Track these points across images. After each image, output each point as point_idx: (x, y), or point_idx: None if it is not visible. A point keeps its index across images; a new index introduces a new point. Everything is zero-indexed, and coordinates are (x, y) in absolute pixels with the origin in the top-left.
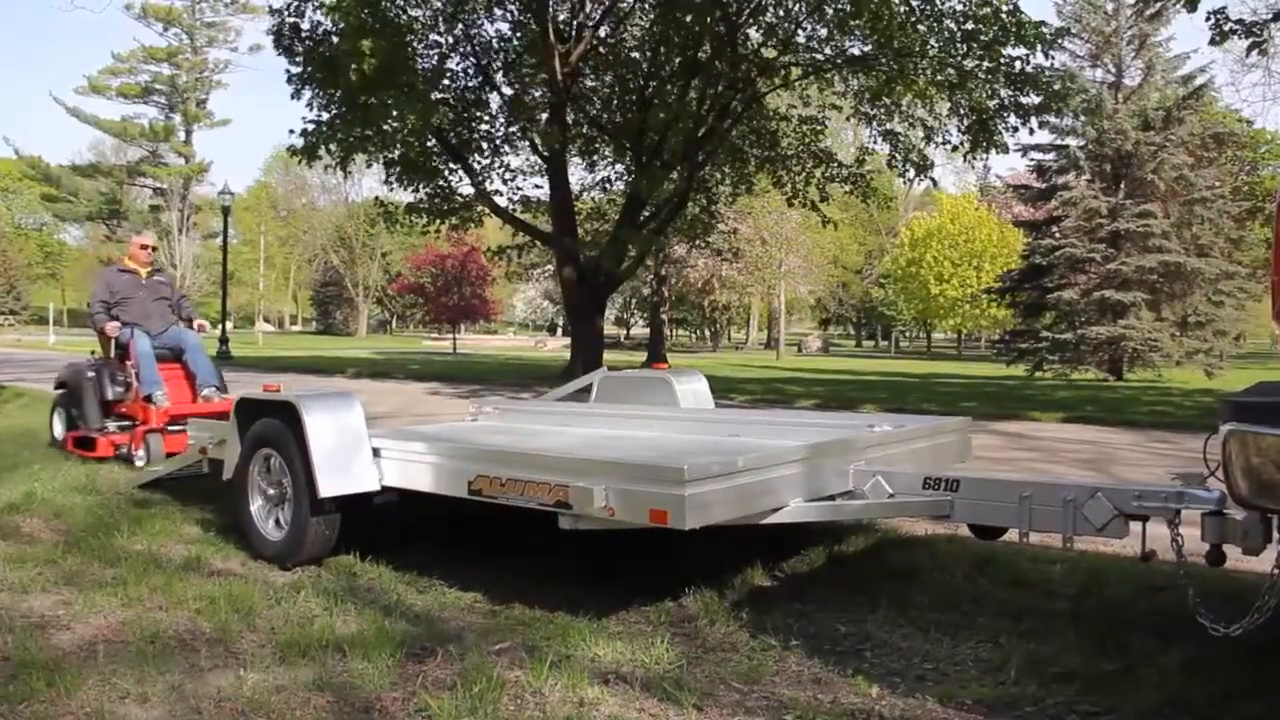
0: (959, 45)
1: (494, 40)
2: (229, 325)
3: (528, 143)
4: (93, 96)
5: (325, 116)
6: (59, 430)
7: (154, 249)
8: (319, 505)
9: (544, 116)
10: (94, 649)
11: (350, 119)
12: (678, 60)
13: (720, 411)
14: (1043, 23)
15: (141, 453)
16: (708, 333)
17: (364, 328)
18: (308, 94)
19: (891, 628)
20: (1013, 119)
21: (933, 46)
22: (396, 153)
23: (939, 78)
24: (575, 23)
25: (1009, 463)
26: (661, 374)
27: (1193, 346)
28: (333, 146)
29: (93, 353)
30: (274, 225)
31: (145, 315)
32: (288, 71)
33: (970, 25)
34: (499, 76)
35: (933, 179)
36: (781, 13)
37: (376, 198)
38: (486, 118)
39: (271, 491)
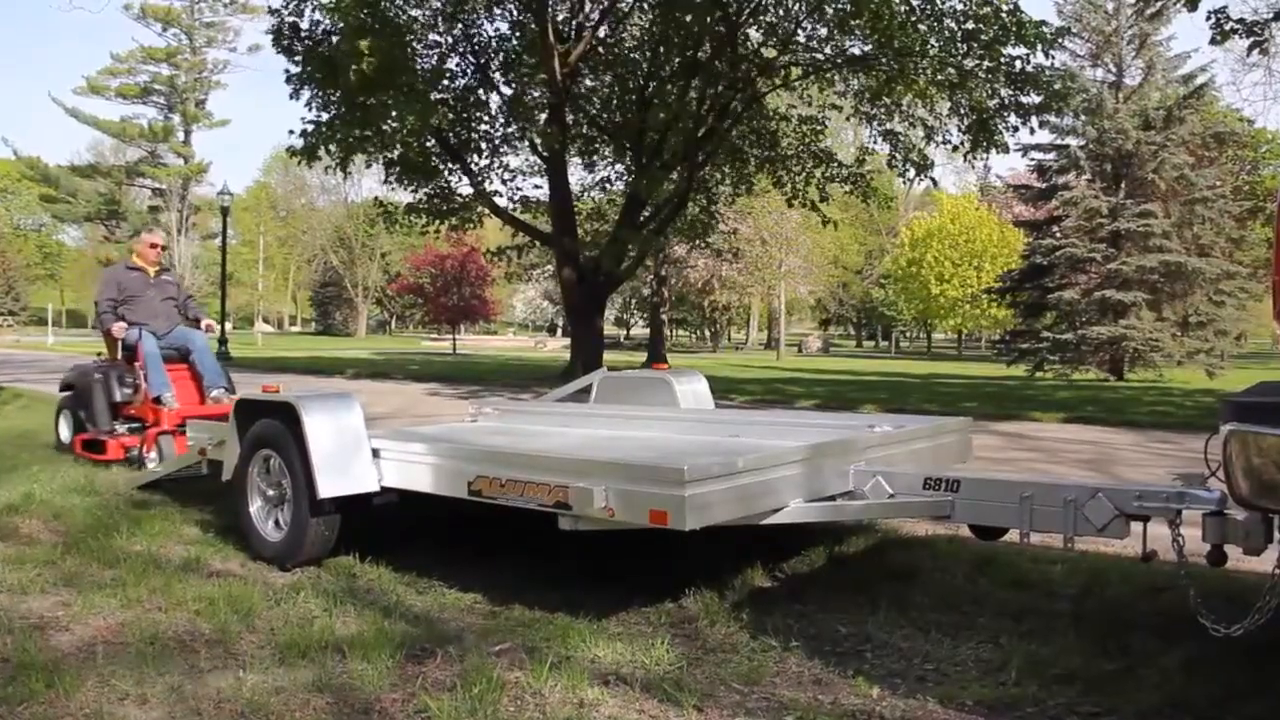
0: (959, 45)
1: (493, 40)
2: (228, 326)
3: (527, 143)
4: (91, 97)
5: (324, 117)
6: (65, 433)
7: (163, 248)
8: (318, 506)
9: (543, 116)
10: (93, 650)
11: (349, 119)
12: (677, 60)
13: (720, 412)
14: (1043, 22)
15: (154, 455)
16: (708, 333)
17: (363, 328)
18: (307, 94)
19: (892, 628)
20: (1013, 119)
21: (933, 46)
22: (396, 153)
23: (939, 77)
24: (575, 22)
25: (1010, 463)
26: (661, 374)
27: (1194, 346)
28: (332, 147)
29: (99, 354)
30: (273, 226)
31: (152, 315)
32: (286, 72)
33: (970, 25)
34: (498, 76)
35: (933, 179)
36: (781, 12)
37: (376, 198)
38: (486, 118)
39: (271, 492)
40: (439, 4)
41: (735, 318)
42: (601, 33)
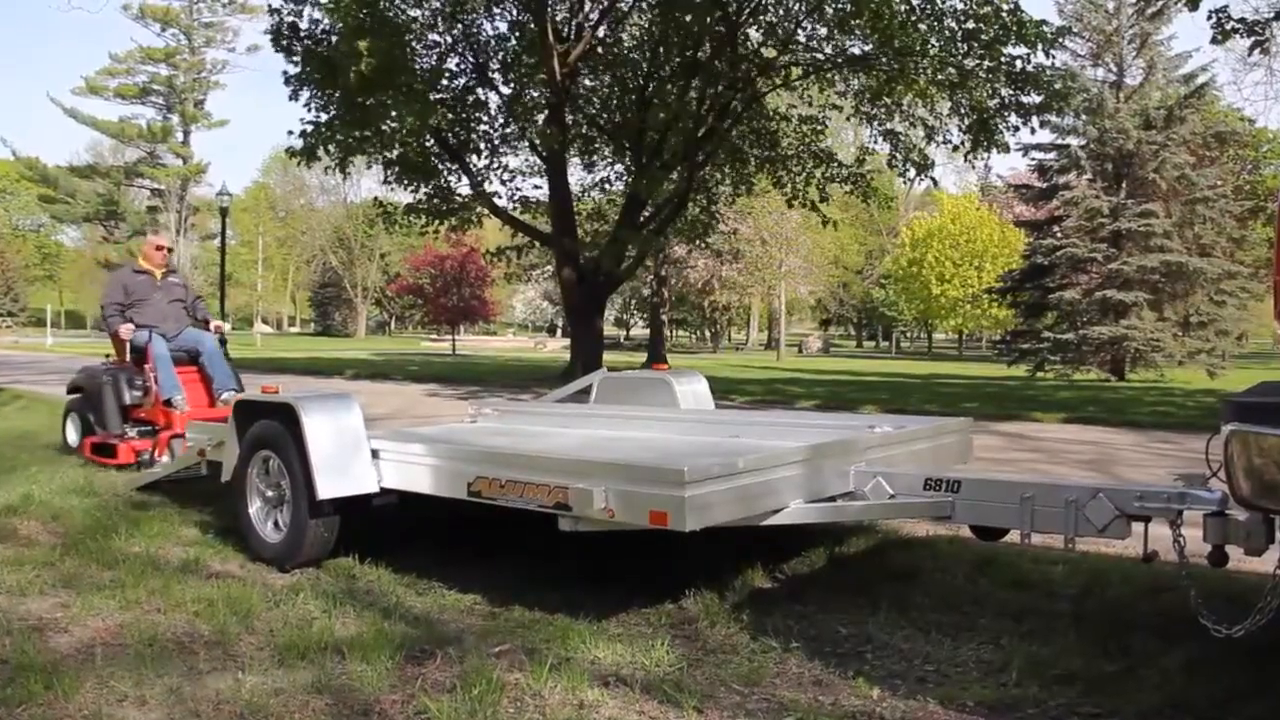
0: (960, 44)
1: (492, 40)
2: (227, 327)
3: (527, 143)
4: (90, 97)
5: (324, 117)
6: (73, 437)
7: (169, 250)
8: (318, 507)
9: (543, 117)
10: (92, 651)
11: (349, 119)
12: (677, 60)
13: (720, 412)
14: (1044, 22)
15: (166, 458)
16: (708, 333)
17: (363, 329)
18: (306, 95)
19: (893, 629)
20: (1014, 118)
21: (933, 46)
22: (395, 153)
23: (939, 77)
24: (574, 22)
25: (1010, 463)
26: (661, 375)
27: (1195, 346)
28: (331, 147)
29: (108, 356)
30: (272, 226)
31: (161, 317)
32: (285, 73)
33: (971, 24)
34: (497, 76)
35: (933, 179)
36: (781, 12)
37: (375, 198)
38: (485, 118)
39: (270, 493)
40: (438, 4)
41: (735, 318)
42: (601, 32)
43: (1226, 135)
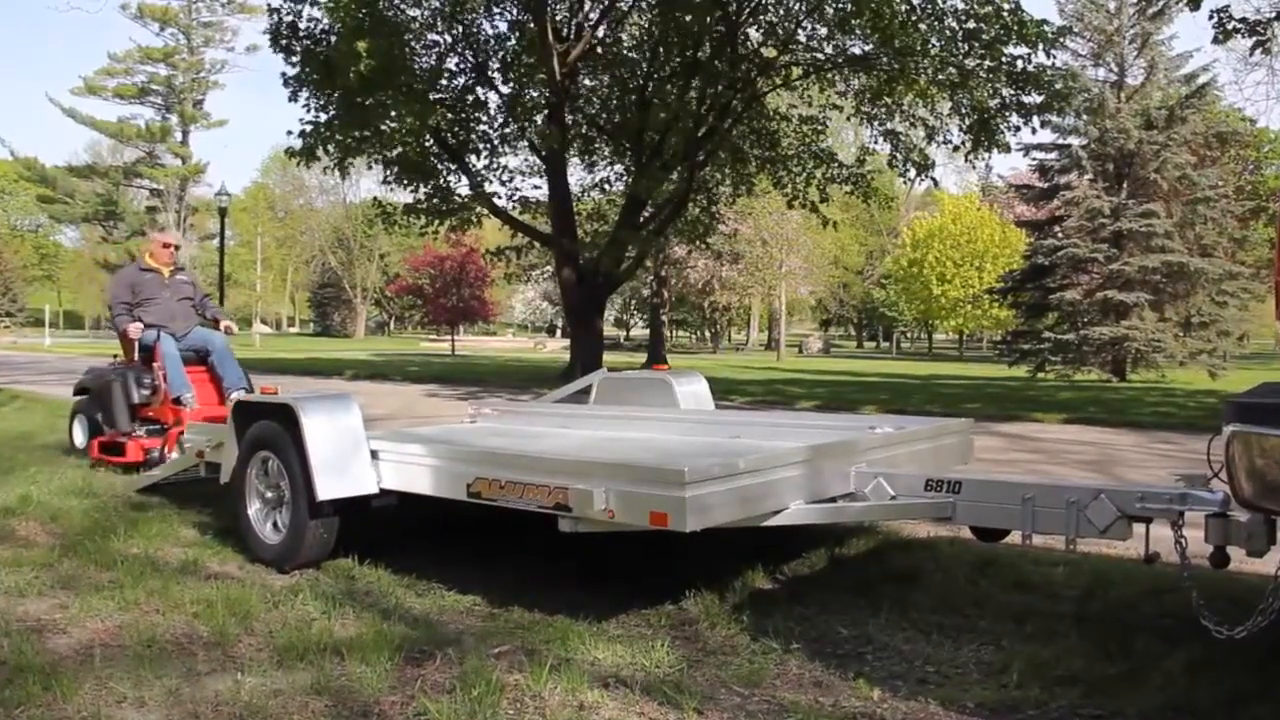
0: (960, 44)
1: (492, 40)
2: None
3: (526, 143)
4: (89, 97)
5: (323, 118)
6: (80, 438)
7: (177, 247)
8: (317, 508)
9: (542, 117)
10: (90, 653)
11: (348, 120)
12: (677, 60)
13: (721, 413)
14: (1044, 21)
15: (176, 454)
16: (708, 334)
17: (362, 329)
18: (305, 95)
19: (893, 630)
20: (1014, 118)
21: (934, 45)
22: (394, 153)
23: (940, 77)
24: (574, 22)
25: (1011, 464)
26: (661, 375)
27: (1196, 347)
28: (330, 148)
29: (115, 356)
30: (271, 226)
31: (169, 316)
32: (283, 74)
33: (971, 24)
34: (497, 76)
35: (934, 179)
36: (781, 12)
37: (374, 198)
38: (485, 118)
39: (269, 494)
40: (438, 4)
41: (735, 319)
42: (601, 32)
43: (1228, 135)
